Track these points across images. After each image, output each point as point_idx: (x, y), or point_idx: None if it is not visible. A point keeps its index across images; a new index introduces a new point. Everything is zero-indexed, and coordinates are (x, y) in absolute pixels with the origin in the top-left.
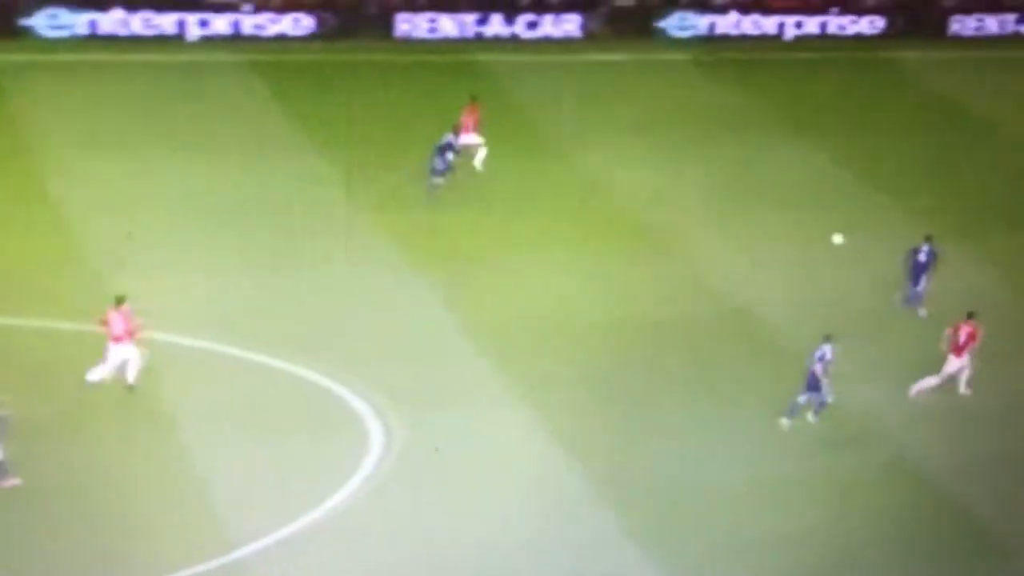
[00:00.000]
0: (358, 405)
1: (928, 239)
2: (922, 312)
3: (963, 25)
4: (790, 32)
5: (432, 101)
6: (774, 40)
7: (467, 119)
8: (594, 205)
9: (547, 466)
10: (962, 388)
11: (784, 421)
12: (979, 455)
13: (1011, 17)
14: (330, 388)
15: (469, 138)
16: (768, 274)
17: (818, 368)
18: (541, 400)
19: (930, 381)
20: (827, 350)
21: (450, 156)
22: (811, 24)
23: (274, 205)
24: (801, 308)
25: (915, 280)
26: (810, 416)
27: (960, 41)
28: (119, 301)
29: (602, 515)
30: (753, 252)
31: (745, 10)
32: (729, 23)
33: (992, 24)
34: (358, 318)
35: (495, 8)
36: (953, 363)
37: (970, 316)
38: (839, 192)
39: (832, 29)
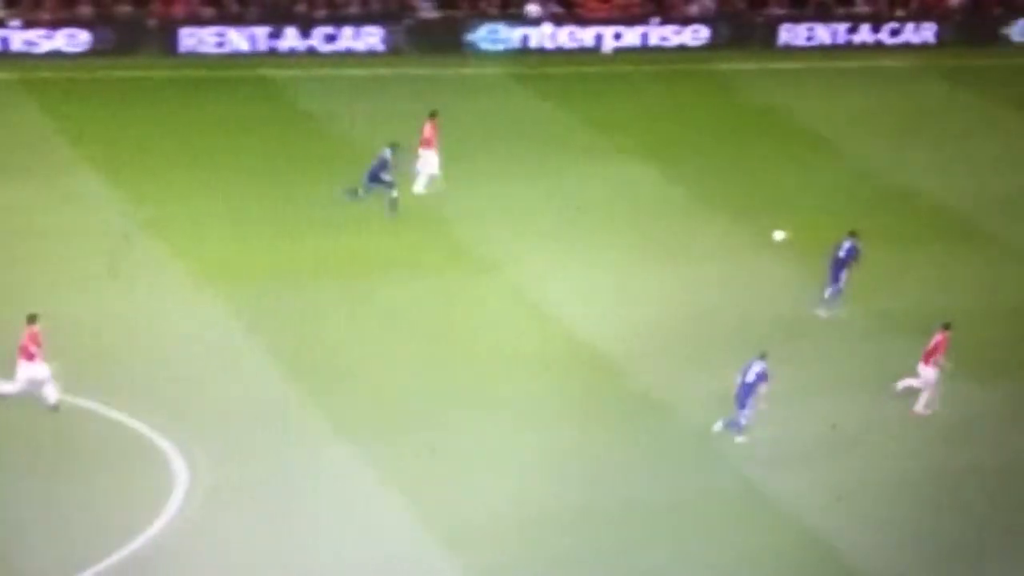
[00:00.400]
0: (159, 442)
1: (852, 235)
2: (835, 311)
3: (793, 35)
4: (609, 44)
5: (221, 119)
6: (592, 53)
7: (427, 135)
8: (407, 225)
9: (366, 502)
10: (919, 407)
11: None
12: (847, 483)
13: (842, 27)
14: (127, 424)
15: (428, 155)
16: (598, 295)
17: (761, 388)
18: (357, 430)
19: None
20: (763, 367)
21: (388, 174)
22: (631, 35)
23: (49, 229)
24: (633, 328)
25: (835, 276)
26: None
27: (790, 51)
28: (32, 319)
29: (427, 551)
30: (578, 273)
31: (560, 22)
32: (543, 35)
33: (823, 34)
34: (152, 348)
35: (289, 22)
36: (923, 371)
37: (946, 327)
38: (669, 210)
39: (654, 40)
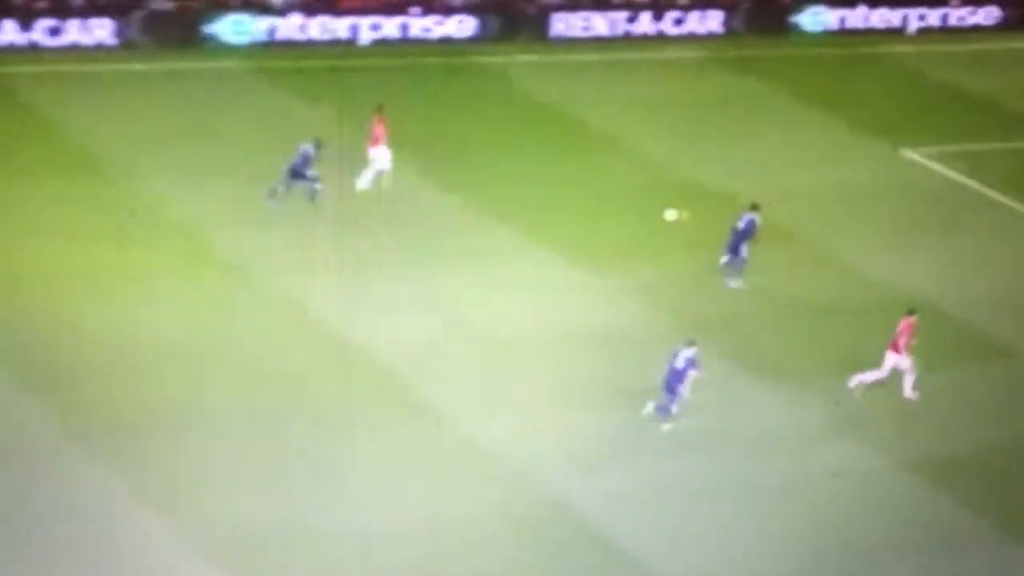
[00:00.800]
0: None
1: (753, 208)
2: (735, 283)
3: (568, 25)
4: (366, 36)
5: None
6: (347, 45)
7: (376, 131)
8: (146, 231)
9: (119, 516)
10: (907, 392)
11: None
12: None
13: (621, 16)
14: None
15: (378, 152)
16: (366, 302)
17: (689, 373)
18: (100, 442)
19: (878, 375)
20: (693, 354)
21: (311, 170)
22: (390, 26)
23: None
24: (405, 337)
25: (734, 249)
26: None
27: (565, 43)
28: None
29: (181, 566)
30: (347, 281)
31: (311, 12)
32: (293, 27)
33: (601, 24)
34: None
35: (6, 14)
36: (890, 359)
37: (911, 312)
38: (436, 212)
39: (415, 32)
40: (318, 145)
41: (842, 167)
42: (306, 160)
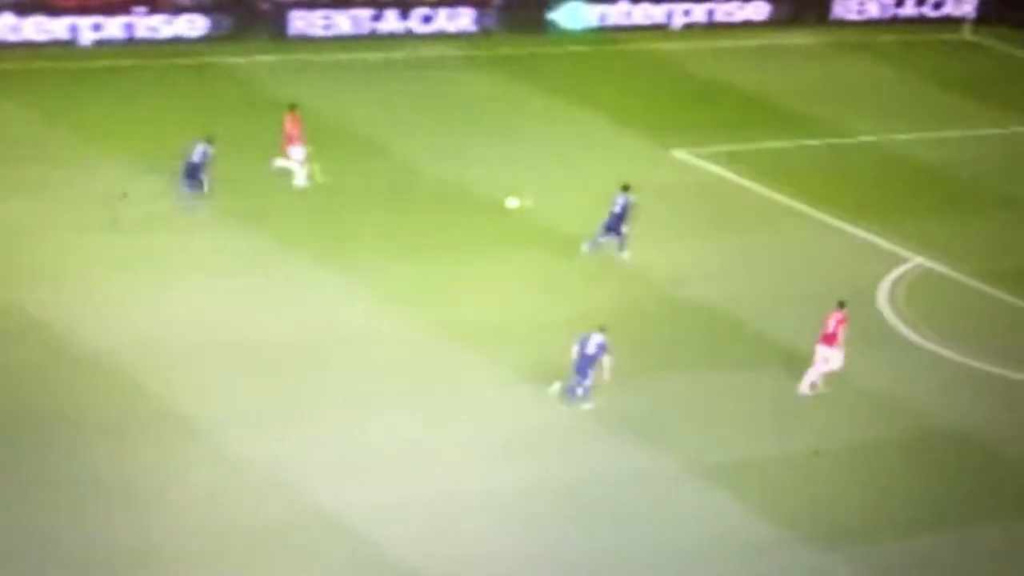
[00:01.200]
0: None
1: (625, 189)
2: (625, 255)
3: (308, 24)
4: (86, 36)
5: None
6: (66, 46)
7: (291, 130)
8: None
9: None
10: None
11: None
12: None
13: (365, 14)
14: None
15: (296, 152)
16: (113, 308)
17: (604, 359)
18: None
19: (811, 374)
20: (603, 340)
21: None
22: (113, 26)
23: None
24: (151, 343)
25: (615, 229)
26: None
27: (305, 42)
28: None
29: None
30: (98, 287)
31: (24, 12)
32: (5, 28)
33: (343, 23)
34: None
35: None
36: (822, 352)
37: (841, 305)
38: (175, 221)
39: (141, 32)
40: (211, 144)
41: (609, 166)
42: (204, 159)
